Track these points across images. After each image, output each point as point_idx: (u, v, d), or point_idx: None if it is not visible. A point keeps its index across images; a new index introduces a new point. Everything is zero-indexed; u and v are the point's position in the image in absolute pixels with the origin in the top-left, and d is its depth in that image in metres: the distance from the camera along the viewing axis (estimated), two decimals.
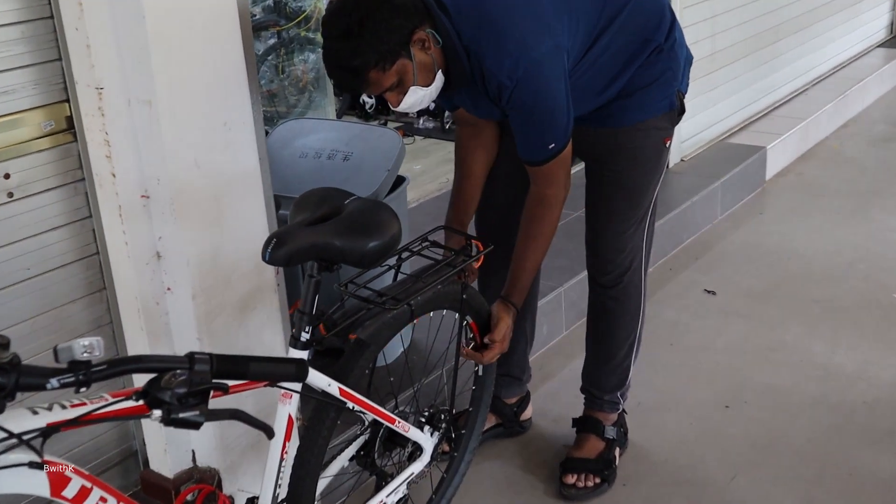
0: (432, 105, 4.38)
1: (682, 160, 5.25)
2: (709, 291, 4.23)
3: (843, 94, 6.40)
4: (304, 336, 2.03)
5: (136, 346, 2.49)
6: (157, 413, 1.39)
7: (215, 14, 2.30)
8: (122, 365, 1.43)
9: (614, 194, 2.74)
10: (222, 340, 2.47)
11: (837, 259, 4.48)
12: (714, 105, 5.52)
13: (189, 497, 2.36)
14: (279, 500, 2.09)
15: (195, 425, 1.39)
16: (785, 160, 5.71)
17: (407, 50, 2.25)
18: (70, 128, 2.35)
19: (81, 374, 1.37)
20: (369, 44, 2.19)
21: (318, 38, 5.63)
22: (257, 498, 2.12)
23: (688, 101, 2.77)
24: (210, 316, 2.43)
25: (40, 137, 2.30)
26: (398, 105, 2.34)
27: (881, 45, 7.59)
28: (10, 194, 2.27)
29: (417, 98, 2.35)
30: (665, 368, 3.62)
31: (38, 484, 1.44)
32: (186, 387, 1.39)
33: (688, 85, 2.76)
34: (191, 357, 1.43)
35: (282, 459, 2.07)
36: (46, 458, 1.42)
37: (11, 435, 1.35)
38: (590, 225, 2.84)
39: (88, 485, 1.51)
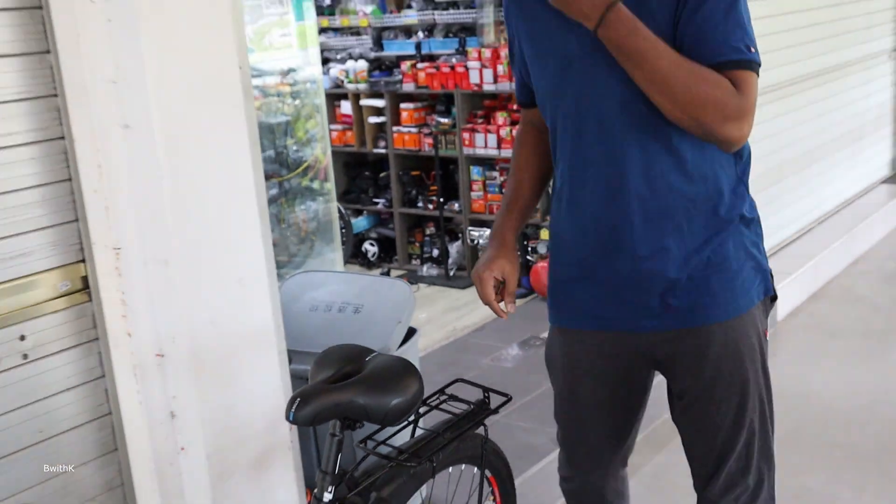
0: None
1: None
2: None
3: (850, 231, 6.53)
4: (327, 496, 2.07)
5: None
6: None
7: (232, 174, 2.43)
8: None
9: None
10: (235, 501, 2.50)
11: (857, 401, 4.51)
12: None
13: None
14: None
15: None
16: (796, 300, 5.80)
17: None
18: (85, 287, 2.42)
19: None
20: None
21: (316, 185, 5.79)
22: None
23: None
24: (224, 476, 2.46)
25: (56, 298, 2.38)
26: None
27: (885, 181, 7.78)
28: (25, 356, 2.33)
29: None
30: None
31: None
32: None
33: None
34: None
35: None
36: None
37: None
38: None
39: None
